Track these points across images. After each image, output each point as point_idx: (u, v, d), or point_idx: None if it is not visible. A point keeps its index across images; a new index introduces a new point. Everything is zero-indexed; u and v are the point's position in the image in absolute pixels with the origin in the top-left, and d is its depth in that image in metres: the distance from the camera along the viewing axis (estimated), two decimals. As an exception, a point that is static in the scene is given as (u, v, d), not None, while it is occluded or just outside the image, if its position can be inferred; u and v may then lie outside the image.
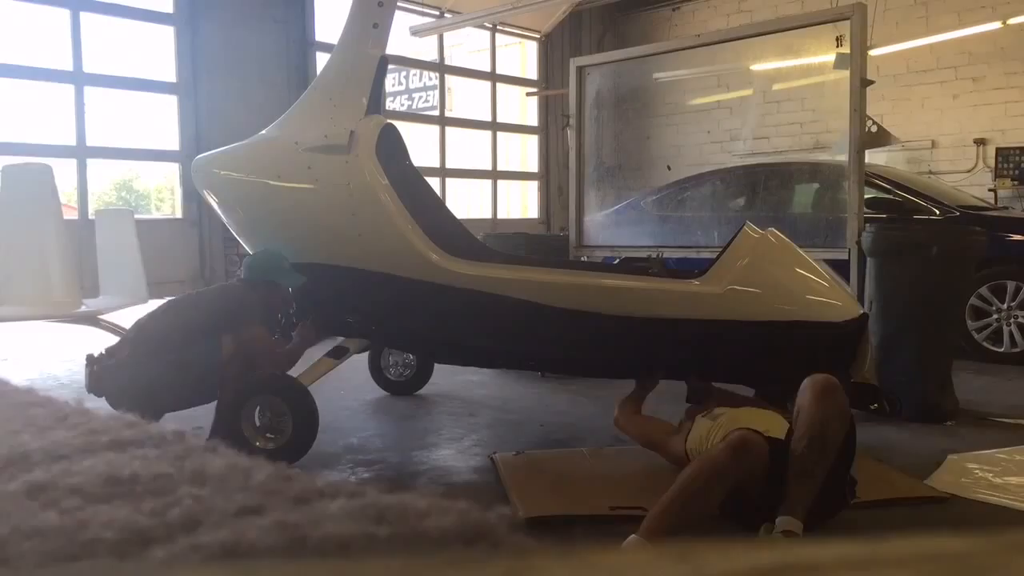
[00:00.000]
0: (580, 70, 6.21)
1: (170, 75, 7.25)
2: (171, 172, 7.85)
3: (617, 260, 5.93)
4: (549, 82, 10.54)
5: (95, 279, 4.68)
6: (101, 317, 3.98)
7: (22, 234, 4.14)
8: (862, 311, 3.41)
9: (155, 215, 10.88)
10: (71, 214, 6.32)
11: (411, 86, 10.99)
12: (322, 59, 7.29)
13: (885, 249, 4.07)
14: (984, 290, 5.49)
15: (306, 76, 7.67)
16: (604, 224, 6.33)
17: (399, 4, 3.83)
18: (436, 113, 9.89)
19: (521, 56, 10.90)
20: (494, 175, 10.27)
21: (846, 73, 4.66)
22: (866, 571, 0.27)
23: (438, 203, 4.13)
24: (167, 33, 7.26)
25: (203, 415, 3.82)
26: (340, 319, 3.69)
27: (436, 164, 9.45)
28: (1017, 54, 8.32)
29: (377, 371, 4.61)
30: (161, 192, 11.06)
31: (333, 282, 3.50)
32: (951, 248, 3.97)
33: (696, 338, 3.26)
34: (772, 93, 7.32)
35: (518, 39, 10.62)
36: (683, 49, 6.26)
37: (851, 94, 4.58)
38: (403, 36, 9.07)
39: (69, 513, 0.41)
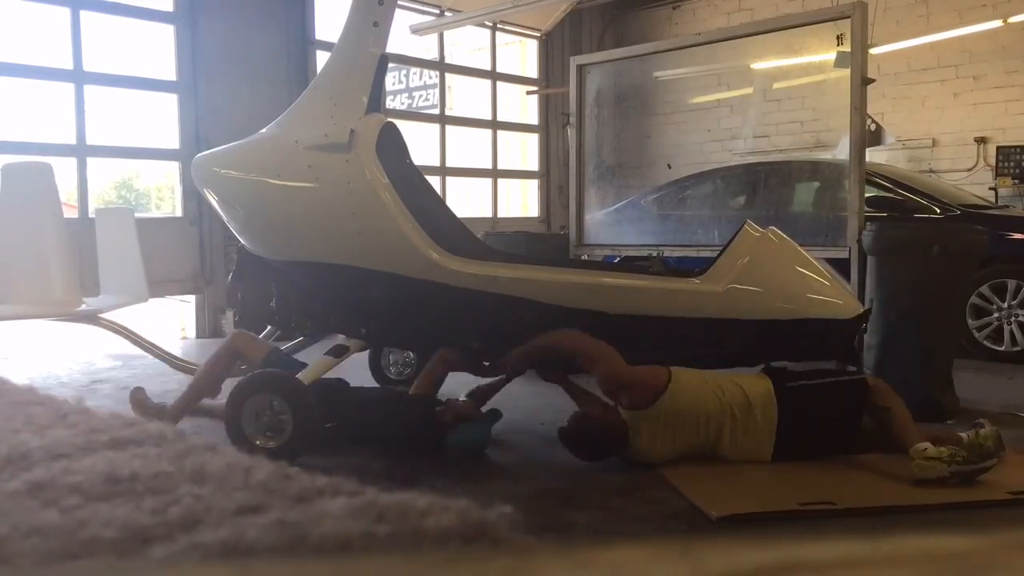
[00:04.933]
0: (580, 68, 6.20)
1: (170, 74, 7.24)
2: (171, 171, 7.84)
3: (617, 259, 5.93)
4: (549, 80, 10.53)
5: (95, 278, 4.67)
6: (101, 316, 3.98)
7: (22, 233, 4.14)
8: (863, 309, 3.41)
9: (155, 214, 10.88)
10: (71, 213, 6.32)
11: (411, 84, 10.98)
12: (322, 58, 7.28)
13: (886, 248, 4.07)
14: (985, 289, 5.49)
15: (306, 75, 7.66)
16: (604, 223, 6.32)
17: (399, 2, 3.82)
18: (436, 111, 9.88)
19: (521, 54, 10.88)
20: (494, 174, 10.27)
21: (847, 71, 4.65)
22: (866, 571, 0.27)
23: (438, 202, 4.13)
24: (167, 32, 7.25)
25: (202, 414, 3.82)
26: (339, 317, 3.70)
27: (436, 163, 9.44)
28: (1018, 52, 8.31)
29: (377, 369, 4.61)
30: (161, 191, 11.07)
31: (333, 280, 3.50)
32: (952, 247, 3.96)
33: (696, 336, 3.26)
34: (773, 91, 7.30)
35: (518, 37, 10.60)
36: (684, 47, 6.26)
37: (852, 92, 4.58)
38: (403, 34, 9.06)
39: (69, 512, 0.41)
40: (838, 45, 4.80)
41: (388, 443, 3.30)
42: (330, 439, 3.36)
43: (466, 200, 10.50)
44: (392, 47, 3.78)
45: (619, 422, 3.12)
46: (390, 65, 3.74)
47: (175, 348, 5.89)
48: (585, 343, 3.14)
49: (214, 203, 3.77)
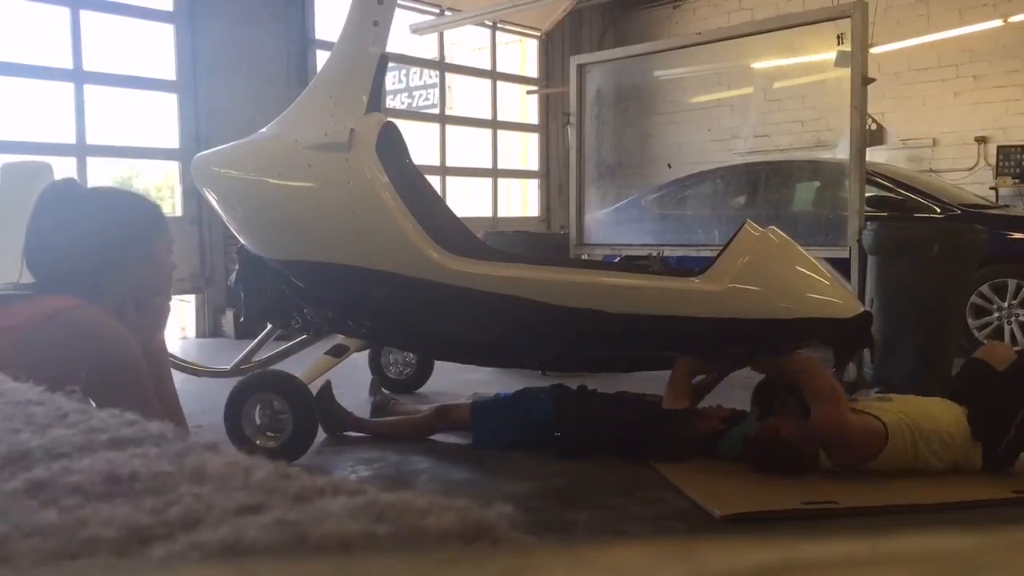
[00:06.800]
0: (581, 68, 6.20)
1: (170, 73, 7.24)
2: (171, 170, 7.84)
3: (617, 258, 5.93)
4: (549, 80, 10.53)
5: (95, 277, 4.68)
6: (101, 315, 3.97)
7: (22, 233, 4.13)
8: (863, 309, 3.41)
9: (155, 213, 10.85)
10: (71, 212, 6.31)
11: (411, 84, 10.97)
12: (322, 57, 7.28)
13: (886, 247, 4.07)
14: (985, 288, 5.49)
15: (306, 74, 7.66)
16: (604, 222, 6.32)
17: (399, 2, 3.82)
18: (436, 111, 9.88)
19: (521, 54, 10.88)
20: (494, 173, 10.26)
21: (847, 71, 4.65)
22: (866, 571, 0.27)
23: (438, 201, 4.13)
24: (167, 31, 7.25)
25: (202, 414, 3.82)
26: (339, 316, 3.70)
27: (436, 162, 9.44)
28: (1018, 52, 8.31)
29: (377, 369, 4.61)
30: (161, 190, 11.04)
31: (333, 280, 3.50)
32: (952, 246, 3.97)
33: (696, 335, 3.26)
34: (773, 91, 7.31)
35: (518, 37, 10.60)
36: (684, 47, 6.25)
37: (852, 92, 4.58)
38: (403, 34, 9.06)
39: (69, 511, 0.41)
40: (838, 44, 4.80)
41: (648, 454, 3.20)
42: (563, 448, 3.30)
43: (466, 200, 10.50)
44: (392, 47, 3.78)
45: (812, 451, 3.01)
46: (390, 64, 3.74)
47: (175, 348, 5.89)
48: (822, 375, 3.08)
49: (214, 203, 3.77)
